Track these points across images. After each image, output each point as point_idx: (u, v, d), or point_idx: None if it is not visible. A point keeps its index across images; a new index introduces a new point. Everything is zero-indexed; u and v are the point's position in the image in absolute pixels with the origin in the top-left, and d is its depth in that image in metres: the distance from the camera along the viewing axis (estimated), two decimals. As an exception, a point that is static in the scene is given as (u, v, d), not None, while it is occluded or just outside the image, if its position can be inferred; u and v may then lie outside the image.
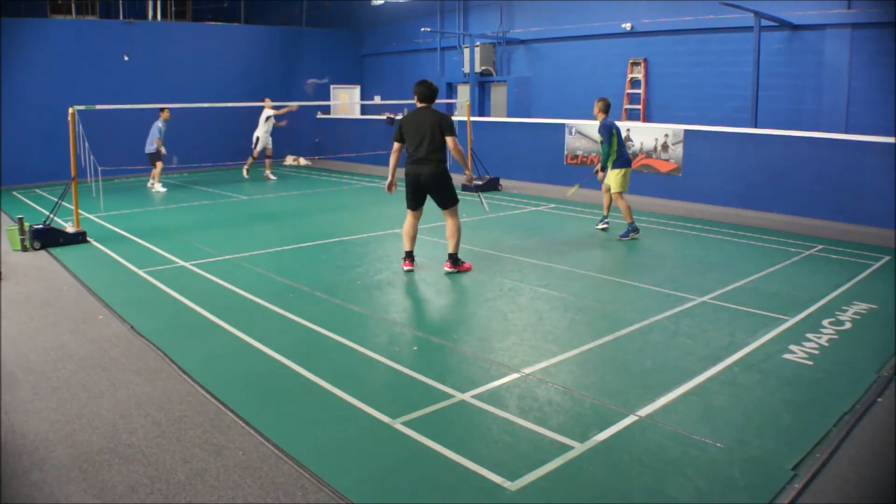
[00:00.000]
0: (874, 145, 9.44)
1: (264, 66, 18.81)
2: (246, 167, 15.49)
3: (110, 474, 3.27)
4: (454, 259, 6.99)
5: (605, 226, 9.16)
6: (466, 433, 3.66)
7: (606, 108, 8.57)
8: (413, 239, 7.05)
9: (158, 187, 13.52)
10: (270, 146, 15.12)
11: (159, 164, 13.39)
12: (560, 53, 15.86)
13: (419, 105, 6.83)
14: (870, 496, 3.18)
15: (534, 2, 16.16)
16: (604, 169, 8.62)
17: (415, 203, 6.95)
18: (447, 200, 6.89)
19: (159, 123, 13.20)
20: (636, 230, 8.65)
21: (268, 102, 14.59)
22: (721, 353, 4.77)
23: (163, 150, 13.34)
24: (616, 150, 8.49)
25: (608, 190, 8.79)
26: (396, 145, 6.91)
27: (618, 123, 8.95)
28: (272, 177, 15.33)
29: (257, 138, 14.87)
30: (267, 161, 15.33)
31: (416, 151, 6.73)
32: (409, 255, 7.07)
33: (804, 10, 11.67)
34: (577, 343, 5.03)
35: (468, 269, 7.07)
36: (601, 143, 8.54)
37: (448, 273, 6.95)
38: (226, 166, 17.18)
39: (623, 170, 8.53)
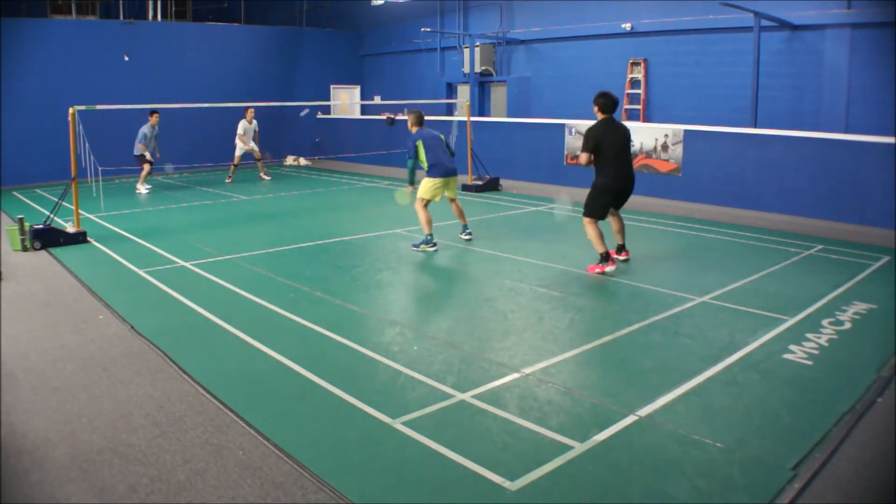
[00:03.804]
0: (874, 145, 9.44)
1: (264, 66, 18.82)
2: (262, 171, 15.41)
3: (110, 474, 3.28)
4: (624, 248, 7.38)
5: (467, 236, 8.46)
6: (466, 433, 3.66)
7: (417, 121, 8.10)
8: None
9: (142, 189, 13.35)
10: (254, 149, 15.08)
11: (146, 167, 13.26)
12: (560, 53, 15.86)
13: (605, 116, 6.87)
14: (870, 496, 3.18)
15: (534, 2, 16.15)
16: (411, 183, 8.24)
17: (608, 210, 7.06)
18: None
19: (145, 129, 13.07)
20: (429, 243, 7.96)
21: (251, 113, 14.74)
22: (721, 353, 4.77)
23: (147, 155, 13.17)
24: (426, 160, 7.92)
25: (452, 200, 8.32)
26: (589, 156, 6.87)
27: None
28: (228, 180, 15.01)
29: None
30: (232, 167, 15.17)
31: (621, 164, 6.87)
32: (609, 255, 6.98)
33: (804, 10, 11.67)
34: (577, 343, 5.03)
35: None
36: (407, 157, 8.08)
37: (625, 261, 7.29)
38: (226, 166, 17.16)
39: (434, 179, 7.92)
